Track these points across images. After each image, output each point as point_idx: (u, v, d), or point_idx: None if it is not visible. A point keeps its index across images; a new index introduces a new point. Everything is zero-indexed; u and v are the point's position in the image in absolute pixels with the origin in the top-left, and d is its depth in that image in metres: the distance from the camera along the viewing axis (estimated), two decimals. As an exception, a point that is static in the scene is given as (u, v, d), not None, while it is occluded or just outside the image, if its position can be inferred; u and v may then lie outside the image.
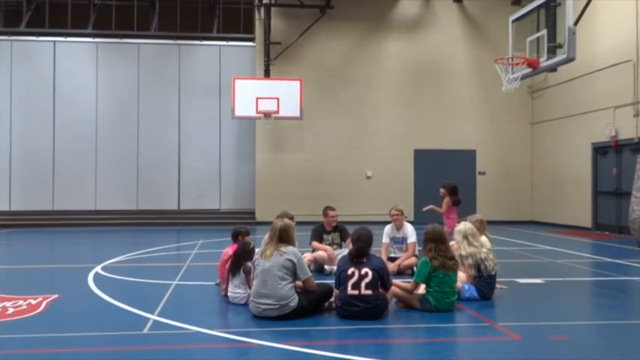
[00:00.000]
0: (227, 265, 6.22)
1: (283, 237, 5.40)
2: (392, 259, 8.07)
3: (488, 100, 18.56)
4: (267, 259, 5.36)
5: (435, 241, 5.62)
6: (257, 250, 5.94)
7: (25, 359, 4.25)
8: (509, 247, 11.43)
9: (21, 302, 5.99)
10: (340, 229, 8.20)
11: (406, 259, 7.97)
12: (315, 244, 8.10)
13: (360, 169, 18.31)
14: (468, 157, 18.68)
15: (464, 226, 6.20)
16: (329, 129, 18.22)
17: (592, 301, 6.74)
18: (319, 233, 8.24)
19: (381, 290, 5.42)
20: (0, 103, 18.13)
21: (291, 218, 6.93)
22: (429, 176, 18.36)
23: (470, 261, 6.02)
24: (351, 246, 5.69)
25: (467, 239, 6.05)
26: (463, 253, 6.03)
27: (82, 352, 4.34)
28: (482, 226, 6.66)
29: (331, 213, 8.21)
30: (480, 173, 18.75)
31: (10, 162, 18.14)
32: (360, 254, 5.32)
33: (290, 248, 5.39)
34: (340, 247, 8.22)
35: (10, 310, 5.63)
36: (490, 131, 18.71)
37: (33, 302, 6.00)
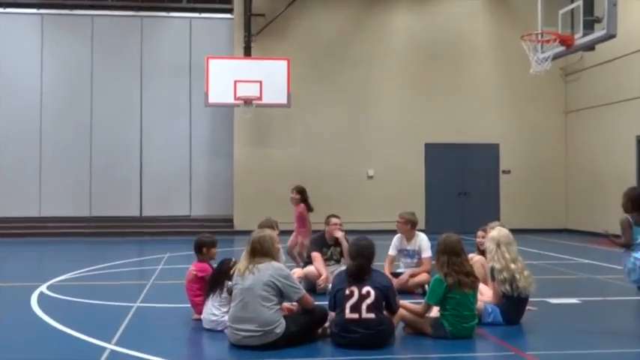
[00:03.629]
0: (199, 286, 6.28)
1: (257, 250, 5.42)
2: (397, 275, 8.10)
3: (514, 84, 18.60)
4: (242, 276, 5.37)
5: (448, 253, 5.60)
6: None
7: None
8: (539, 261, 11.43)
9: (-52, 330, 5.94)
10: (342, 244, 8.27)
11: (416, 275, 8.01)
12: (316, 255, 8.19)
13: (360, 168, 18.37)
14: (489, 153, 18.74)
15: (497, 232, 6.19)
16: (323, 119, 18.25)
17: (638, 325, 6.74)
18: (320, 244, 8.34)
19: (385, 313, 5.42)
20: None
21: (272, 227, 6.89)
22: (443, 175, 18.53)
23: (504, 275, 5.99)
24: (349, 261, 5.67)
25: (499, 248, 6.04)
26: (497, 266, 5.99)
27: (22, 390, 4.33)
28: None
29: (334, 220, 8.31)
30: (503, 172, 18.83)
31: (-64, 159, 18.08)
32: (361, 272, 5.32)
33: (274, 264, 5.39)
34: (339, 263, 8.28)
35: (-64, 339, 5.66)
36: (516, 122, 18.79)
37: (-37, 329, 5.95)
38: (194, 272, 6.47)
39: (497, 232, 6.22)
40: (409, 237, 8.21)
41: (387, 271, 7.82)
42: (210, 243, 6.57)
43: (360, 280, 5.35)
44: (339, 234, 8.24)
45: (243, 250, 5.84)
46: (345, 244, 8.08)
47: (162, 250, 13.55)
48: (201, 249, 6.54)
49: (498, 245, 6.08)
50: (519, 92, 18.70)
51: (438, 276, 5.72)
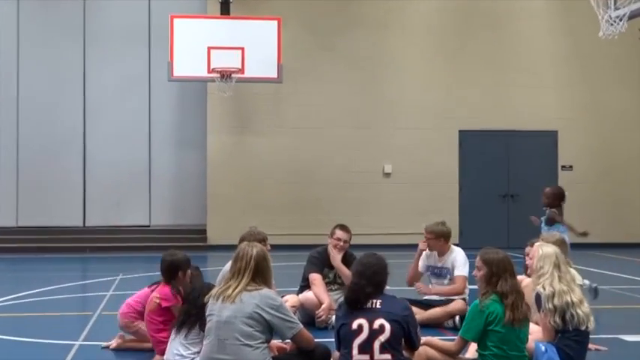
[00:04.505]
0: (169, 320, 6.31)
1: (261, 270, 5.42)
2: (425, 305, 8.22)
3: (578, 51, 18.70)
4: (228, 302, 5.32)
5: (511, 273, 5.67)
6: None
7: None
8: (610, 285, 11.38)
9: None
10: (347, 263, 8.14)
11: (448, 304, 8.09)
12: (316, 277, 8.21)
13: (373, 162, 18.45)
14: (544, 143, 18.83)
15: (552, 248, 6.27)
16: (324, 98, 18.29)
17: None
18: (320, 263, 8.37)
19: (405, 354, 5.37)
20: None
21: (263, 240, 6.94)
22: (483, 172, 18.68)
23: (556, 302, 5.98)
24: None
25: (558, 270, 6.10)
26: (548, 290, 6.03)
27: None
28: (565, 252, 6.72)
29: (339, 234, 8.32)
30: (563, 168, 18.94)
31: None
32: (357, 298, 5.33)
33: (264, 292, 5.38)
34: (343, 286, 8.26)
35: None
36: (580, 102, 18.82)
37: None
38: (157, 300, 6.47)
39: (552, 248, 6.30)
40: (442, 252, 8.34)
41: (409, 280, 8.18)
42: (187, 264, 6.57)
43: (370, 309, 5.32)
44: (337, 259, 8.18)
45: (223, 268, 5.77)
46: (344, 272, 8.04)
47: (112, 270, 13.52)
48: (177, 273, 6.53)
49: (557, 266, 6.13)
50: (585, 63, 18.75)
51: (477, 303, 5.70)
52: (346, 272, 7.82)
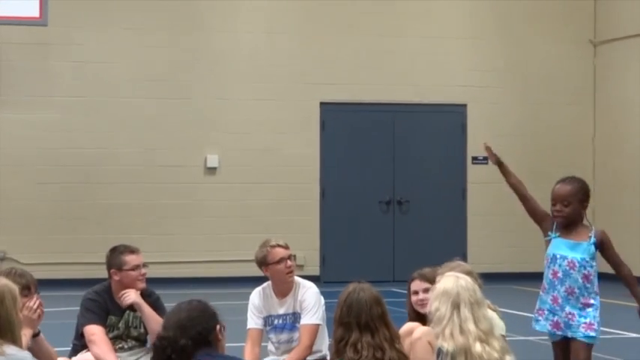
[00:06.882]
0: None
1: None
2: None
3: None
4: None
5: (358, 326, 5.91)
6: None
7: None
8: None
9: None
10: (151, 305, 8.22)
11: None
12: (96, 330, 7.94)
13: (189, 152, 18.62)
14: (448, 123, 19.21)
15: (453, 281, 6.27)
16: (114, 52, 18.40)
17: None
18: (101, 309, 8.16)
19: None
20: None
21: (26, 288, 6.65)
22: (356, 167, 18.82)
23: None
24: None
25: (458, 312, 6.08)
26: (448, 345, 5.98)
27: None
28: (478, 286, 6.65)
29: (134, 259, 8.13)
30: (475, 161, 18.96)
31: None
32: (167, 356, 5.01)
33: (12, 352, 5.14)
34: (145, 344, 8.20)
35: None
36: (502, 64, 19.37)
37: None
38: None
39: (452, 281, 6.24)
40: (283, 289, 8.24)
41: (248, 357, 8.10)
42: None
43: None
44: (131, 297, 7.93)
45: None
46: (149, 315, 7.92)
47: None
48: None
49: (456, 307, 6.06)
50: (507, 6, 19.21)
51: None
52: (152, 315, 7.82)
